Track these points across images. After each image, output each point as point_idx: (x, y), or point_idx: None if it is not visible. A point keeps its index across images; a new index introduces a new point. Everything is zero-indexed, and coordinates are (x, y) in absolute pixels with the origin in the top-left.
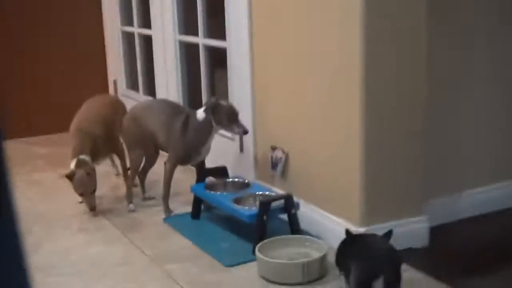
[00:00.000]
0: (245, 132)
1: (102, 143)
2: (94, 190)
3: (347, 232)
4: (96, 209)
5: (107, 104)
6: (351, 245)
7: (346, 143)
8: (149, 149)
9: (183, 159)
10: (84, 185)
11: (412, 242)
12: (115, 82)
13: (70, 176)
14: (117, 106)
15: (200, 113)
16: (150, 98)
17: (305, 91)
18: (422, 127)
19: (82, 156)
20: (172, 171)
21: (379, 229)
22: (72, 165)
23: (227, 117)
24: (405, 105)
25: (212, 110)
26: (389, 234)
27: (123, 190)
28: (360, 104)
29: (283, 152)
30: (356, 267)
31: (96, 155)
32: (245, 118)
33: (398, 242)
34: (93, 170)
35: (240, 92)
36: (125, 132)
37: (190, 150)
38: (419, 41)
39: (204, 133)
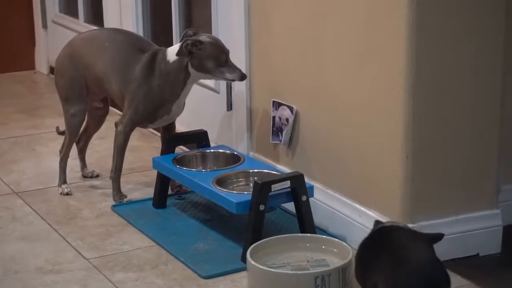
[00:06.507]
0: (242, 77)
1: None
2: None
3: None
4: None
5: None
6: (379, 245)
7: (388, 100)
8: (93, 102)
9: (144, 119)
10: None
11: (480, 247)
12: (42, 2)
13: None
14: None
15: (172, 53)
16: (94, 28)
17: (327, 16)
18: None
19: None
20: (126, 136)
21: (430, 227)
22: None
23: (213, 58)
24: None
25: (189, 49)
26: (436, 239)
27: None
28: (409, 35)
29: (292, 111)
30: (384, 282)
31: None
32: (236, 61)
33: (458, 247)
34: None
35: (228, 22)
36: (58, 78)
37: (155, 107)
38: None
39: (177, 83)
